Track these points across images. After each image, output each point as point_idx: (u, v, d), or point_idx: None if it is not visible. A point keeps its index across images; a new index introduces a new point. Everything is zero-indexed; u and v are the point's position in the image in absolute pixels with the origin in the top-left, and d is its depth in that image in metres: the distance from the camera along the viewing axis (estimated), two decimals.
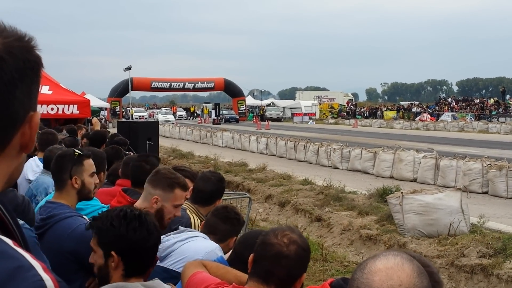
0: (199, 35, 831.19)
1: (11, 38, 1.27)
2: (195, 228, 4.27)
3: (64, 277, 3.91)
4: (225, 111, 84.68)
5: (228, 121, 76.41)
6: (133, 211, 3.04)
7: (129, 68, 44.72)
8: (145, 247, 2.96)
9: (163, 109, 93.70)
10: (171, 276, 3.53)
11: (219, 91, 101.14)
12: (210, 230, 3.93)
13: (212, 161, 24.96)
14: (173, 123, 62.96)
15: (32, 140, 1.34)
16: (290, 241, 2.75)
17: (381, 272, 1.56)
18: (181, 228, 3.93)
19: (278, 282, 2.75)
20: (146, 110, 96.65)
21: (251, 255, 2.84)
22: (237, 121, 77.22)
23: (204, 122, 76.86)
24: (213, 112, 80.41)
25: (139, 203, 3.94)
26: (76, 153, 4.06)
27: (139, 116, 76.31)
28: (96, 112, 28.54)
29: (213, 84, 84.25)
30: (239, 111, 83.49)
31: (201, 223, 4.35)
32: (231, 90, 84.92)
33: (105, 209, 4.31)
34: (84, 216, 3.95)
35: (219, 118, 75.87)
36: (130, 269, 2.97)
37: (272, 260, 2.74)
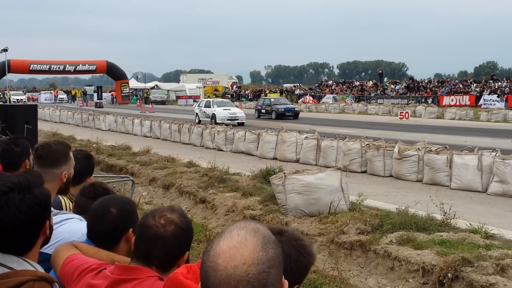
0: (83, 16, 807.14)
1: None
2: (66, 210, 4.15)
3: None
4: (277, 104, 50.38)
5: (283, 115, 47.79)
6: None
7: (5, 50, 43.20)
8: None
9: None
10: (45, 259, 3.42)
11: (101, 74, 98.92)
12: (81, 211, 3.82)
13: (94, 145, 24.44)
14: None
15: None
16: (167, 222, 2.72)
17: (225, 254, 1.54)
18: (54, 210, 3.80)
19: (158, 263, 2.72)
20: (25, 94, 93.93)
21: (134, 237, 2.80)
22: (296, 116, 48.55)
23: (86, 106, 75.32)
24: (95, 95, 78.30)
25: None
26: None
27: (17, 99, 75.02)
28: None
29: (95, 66, 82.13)
30: (122, 94, 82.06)
31: (72, 204, 4.23)
32: (114, 72, 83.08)
33: None
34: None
35: (262, 111, 50.05)
36: None
37: (149, 242, 2.70)
